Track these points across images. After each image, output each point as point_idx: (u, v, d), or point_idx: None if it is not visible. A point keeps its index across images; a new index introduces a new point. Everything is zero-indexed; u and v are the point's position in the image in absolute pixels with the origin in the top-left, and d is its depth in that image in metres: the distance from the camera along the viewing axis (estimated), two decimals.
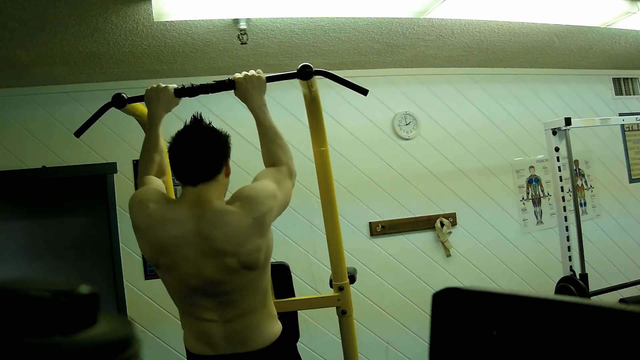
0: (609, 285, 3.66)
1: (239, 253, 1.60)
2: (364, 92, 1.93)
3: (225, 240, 1.59)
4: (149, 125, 1.88)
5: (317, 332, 3.51)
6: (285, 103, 3.44)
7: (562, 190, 3.48)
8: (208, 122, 1.72)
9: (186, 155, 1.65)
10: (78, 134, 2.04)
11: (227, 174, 1.74)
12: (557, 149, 3.46)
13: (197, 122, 1.70)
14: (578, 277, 3.40)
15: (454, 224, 3.97)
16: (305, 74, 1.85)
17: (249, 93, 1.80)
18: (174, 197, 2.21)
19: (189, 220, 1.62)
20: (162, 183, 1.85)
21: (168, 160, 1.79)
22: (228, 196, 1.72)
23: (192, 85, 1.89)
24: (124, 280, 3.31)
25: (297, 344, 1.93)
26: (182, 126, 1.71)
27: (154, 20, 2.47)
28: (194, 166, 1.65)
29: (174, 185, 2.39)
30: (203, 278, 1.62)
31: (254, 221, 1.60)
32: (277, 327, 1.77)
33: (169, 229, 1.62)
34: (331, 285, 2.12)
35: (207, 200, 1.64)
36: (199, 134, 1.67)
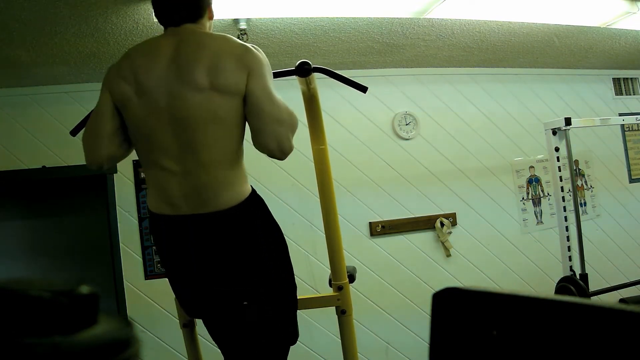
0: (609, 285, 3.66)
1: (214, 75, 1.56)
2: (363, 89, 1.92)
3: (203, 59, 1.56)
4: None
5: (317, 332, 3.51)
6: (284, 101, 3.43)
7: (562, 190, 3.48)
8: None
9: None
10: (74, 132, 2.04)
11: (211, 18, 1.74)
12: (557, 149, 3.46)
13: None
14: (578, 277, 3.40)
15: (454, 224, 3.97)
16: (303, 71, 1.85)
17: None
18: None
19: (168, 47, 1.61)
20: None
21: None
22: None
23: None
24: (124, 280, 3.31)
25: (296, 344, 1.90)
26: None
27: (154, 20, 2.46)
28: (178, 2, 1.64)
29: None
30: (171, 97, 1.57)
31: (242, 62, 1.58)
32: (245, 188, 1.68)
33: (150, 66, 1.60)
34: (331, 285, 2.12)
35: (191, 32, 1.64)
36: None
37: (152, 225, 1.77)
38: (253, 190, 1.72)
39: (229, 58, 1.58)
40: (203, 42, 1.61)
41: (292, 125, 1.65)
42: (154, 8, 1.70)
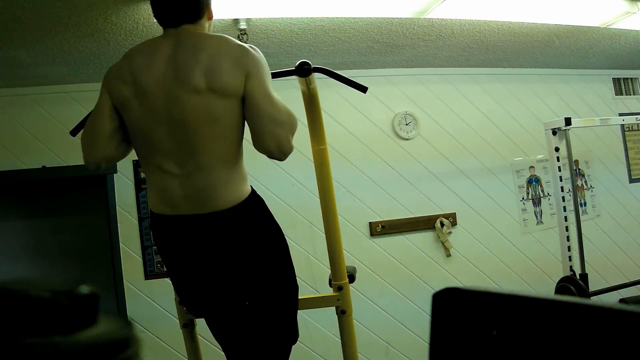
0: (609, 285, 3.66)
1: (211, 76, 1.55)
2: (363, 89, 1.92)
3: (200, 61, 1.56)
4: None
5: (317, 332, 3.51)
6: (283, 101, 3.43)
7: (562, 190, 3.48)
8: None
9: None
10: (74, 132, 2.04)
11: (210, 18, 1.73)
12: (557, 149, 3.46)
13: None
14: (578, 277, 3.40)
15: (454, 224, 3.97)
16: (303, 71, 1.84)
17: None
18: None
19: (166, 48, 1.61)
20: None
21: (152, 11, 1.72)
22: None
23: None
24: (124, 280, 3.31)
25: (296, 344, 1.90)
26: None
27: (154, 20, 2.46)
28: (177, 3, 1.63)
29: None
30: (169, 100, 1.57)
31: (240, 63, 1.57)
32: (245, 188, 1.68)
33: (148, 68, 1.60)
34: (331, 285, 2.12)
35: (189, 34, 1.63)
36: None
37: (153, 225, 1.77)
38: (253, 190, 1.72)
39: (227, 59, 1.57)
40: (200, 43, 1.61)
41: (292, 126, 1.65)
42: (152, 9, 1.70)
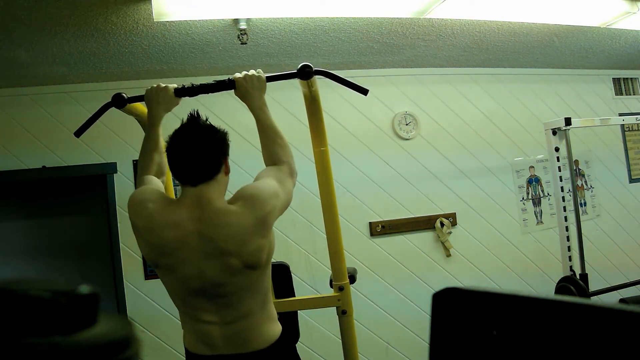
0: (609, 285, 3.66)
1: (241, 253, 1.58)
2: (364, 91, 1.93)
3: (227, 240, 1.58)
4: (149, 125, 1.87)
5: (317, 332, 3.51)
6: (285, 103, 3.44)
7: (562, 190, 3.48)
8: (205, 119, 1.68)
9: (184, 156, 1.63)
10: (78, 134, 2.04)
11: (227, 172, 1.72)
12: (557, 149, 3.46)
13: (194, 120, 1.67)
14: (578, 277, 3.40)
15: (454, 224, 3.97)
16: (305, 73, 1.85)
17: (249, 93, 1.80)
18: (174, 196, 2.20)
19: (189, 221, 1.61)
20: (161, 183, 1.84)
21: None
22: (228, 195, 1.70)
23: (192, 85, 1.89)
24: (124, 280, 3.31)
25: (297, 344, 1.92)
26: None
27: (154, 20, 2.47)
28: (193, 166, 1.63)
29: (174, 186, 2.39)
30: (204, 280, 1.61)
31: (256, 221, 1.59)
32: (276, 329, 1.76)
33: (169, 230, 1.60)
34: (331, 285, 2.12)
35: (208, 200, 1.62)
36: (197, 133, 1.64)
37: None
38: (282, 330, 1.78)
39: (249, 230, 1.59)
40: (223, 219, 1.60)
41: (291, 162, 1.80)
42: (169, 166, 1.71)
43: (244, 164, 2.95)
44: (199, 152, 1.62)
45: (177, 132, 1.66)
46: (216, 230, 1.58)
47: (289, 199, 1.73)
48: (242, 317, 1.66)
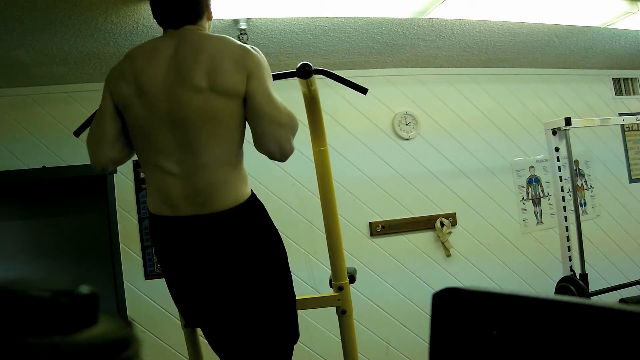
0: (609, 285, 3.67)
1: (213, 76, 1.56)
2: (363, 91, 1.93)
3: (202, 61, 1.57)
4: None
5: (317, 332, 3.51)
6: (284, 103, 3.43)
7: (562, 190, 3.48)
8: None
9: None
10: (77, 133, 2.04)
11: (209, 18, 1.74)
12: (557, 149, 3.47)
13: None
14: (578, 277, 3.40)
15: (454, 224, 3.97)
16: (304, 72, 1.85)
17: None
18: None
19: (167, 48, 1.62)
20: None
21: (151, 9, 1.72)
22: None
23: None
24: (124, 280, 3.31)
25: (297, 344, 1.90)
26: None
27: (154, 20, 2.47)
28: (178, 4, 1.64)
29: None
30: (171, 99, 1.58)
31: (241, 64, 1.58)
32: (245, 190, 1.68)
33: (149, 68, 1.61)
34: (331, 285, 2.12)
35: (191, 36, 1.64)
36: None
37: (152, 227, 1.77)
38: (253, 194, 1.72)
39: (228, 60, 1.58)
40: (202, 43, 1.61)
41: (293, 128, 1.66)
42: (152, 10, 1.70)
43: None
44: None
45: None
46: (193, 51, 1.59)
47: (281, 105, 1.66)
48: (204, 168, 1.60)
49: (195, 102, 1.57)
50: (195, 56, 1.58)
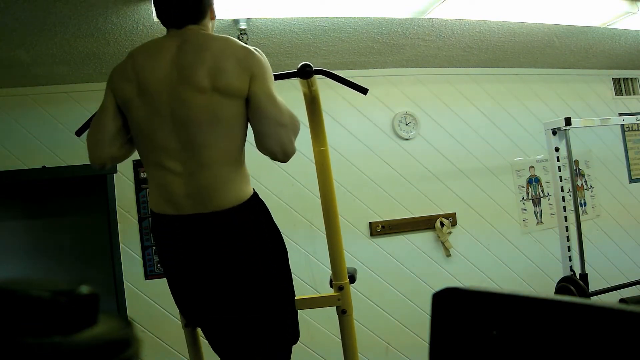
0: (609, 285, 3.66)
1: (215, 76, 1.57)
2: (364, 91, 1.93)
3: (205, 61, 1.58)
4: None
5: (317, 332, 3.51)
6: (285, 103, 3.43)
7: (562, 190, 3.48)
8: None
9: None
10: (79, 133, 2.05)
11: (213, 18, 1.74)
12: (557, 149, 3.47)
13: None
14: (578, 277, 3.40)
15: (454, 224, 3.97)
16: (305, 73, 1.85)
17: None
18: None
19: (170, 48, 1.62)
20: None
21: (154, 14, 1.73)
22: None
23: None
24: (124, 280, 3.31)
25: (297, 344, 1.90)
26: None
27: (154, 20, 2.47)
28: (181, 4, 1.64)
29: None
30: (173, 98, 1.59)
31: (244, 65, 1.59)
32: (247, 189, 1.69)
33: (152, 67, 1.61)
34: (331, 285, 2.12)
35: (195, 36, 1.64)
36: None
37: (154, 225, 1.77)
38: (255, 193, 1.72)
39: (231, 60, 1.59)
40: (205, 43, 1.62)
41: (295, 128, 1.67)
42: (155, 9, 1.71)
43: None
44: None
45: None
46: (196, 53, 1.59)
47: (283, 106, 1.67)
48: (207, 167, 1.61)
49: (197, 101, 1.58)
50: (198, 56, 1.59)
